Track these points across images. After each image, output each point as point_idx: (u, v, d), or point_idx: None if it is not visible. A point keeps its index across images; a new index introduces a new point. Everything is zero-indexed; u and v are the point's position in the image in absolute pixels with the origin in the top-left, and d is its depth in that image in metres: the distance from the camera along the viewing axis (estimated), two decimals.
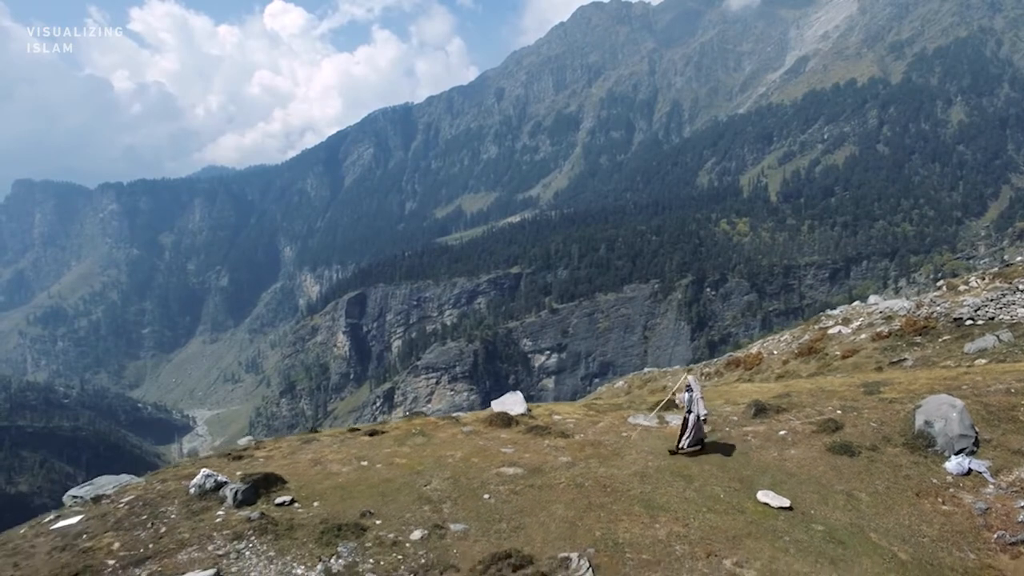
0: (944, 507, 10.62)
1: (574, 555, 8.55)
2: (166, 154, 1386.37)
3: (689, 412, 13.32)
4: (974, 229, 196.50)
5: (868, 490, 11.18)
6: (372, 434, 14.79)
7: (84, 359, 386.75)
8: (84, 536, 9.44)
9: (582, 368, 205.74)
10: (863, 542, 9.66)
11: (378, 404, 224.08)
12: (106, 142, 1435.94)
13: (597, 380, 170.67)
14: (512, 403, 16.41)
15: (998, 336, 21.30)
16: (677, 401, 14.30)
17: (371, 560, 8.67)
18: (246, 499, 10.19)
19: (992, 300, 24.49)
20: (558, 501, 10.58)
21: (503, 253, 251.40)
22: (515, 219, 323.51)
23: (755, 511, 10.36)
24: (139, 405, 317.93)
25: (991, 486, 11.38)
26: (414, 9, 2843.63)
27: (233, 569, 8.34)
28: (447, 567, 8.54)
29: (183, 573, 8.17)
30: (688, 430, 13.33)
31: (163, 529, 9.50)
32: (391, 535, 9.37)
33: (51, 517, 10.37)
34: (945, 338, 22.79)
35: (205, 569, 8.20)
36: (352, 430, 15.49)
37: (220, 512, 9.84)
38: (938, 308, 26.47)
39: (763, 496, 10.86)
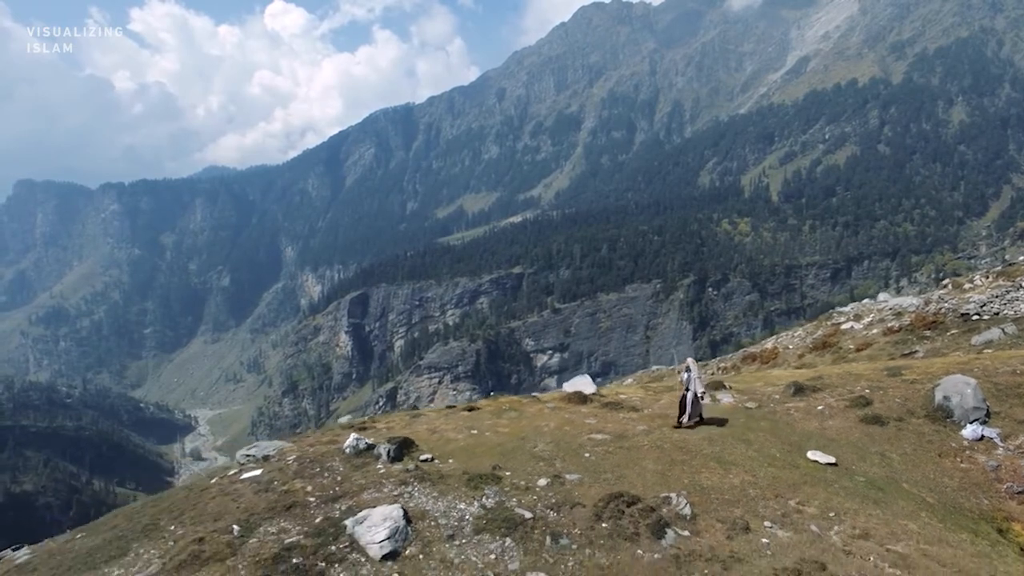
0: (962, 465, 12.86)
1: (673, 495, 10.58)
2: (166, 154, 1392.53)
3: (687, 390, 14.72)
4: (975, 229, 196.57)
5: (898, 451, 13.31)
6: (470, 410, 16.65)
7: (86, 359, 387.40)
8: (275, 483, 11.08)
9: (584, 368, 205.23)
10: (897, 489, 11.69)
11: (380, 404, 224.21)
12: (106, 142, 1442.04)
13: (599, 380, 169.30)
14: (583, 384, 18.26)
15: (1003, 329, 22.24)
16: (679, 380, 15.35)
17: (514, 499, 10.54)
18: (397, 456, 12.23)
19: (997, 297, 25.37)
20: (646, 458, 12.41)
21: (505, 253, 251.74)
22: (516, 219, 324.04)
23: (807, 466, 12.29)
24: (141, 405, 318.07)
25: (1001, 449, 13.56)
26: (415, 9, 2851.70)
27: (411, 504, 10.13)
28: (575, 504, 10.30)
29: (373, 506, 9.81)
30: (688, 407, 14.72)
31: (339, 477, 11.31)
32: (522, 482, 11.19)
33: (235, 471, 11.94)
34: (953, 332, 23.85)
35: (391, 504, 9.83)
36: (450, 407, 17.64)
37: (379, 466, 11.84)
38: (946, 304, 27.24)
39: (812, 455, 12.79)
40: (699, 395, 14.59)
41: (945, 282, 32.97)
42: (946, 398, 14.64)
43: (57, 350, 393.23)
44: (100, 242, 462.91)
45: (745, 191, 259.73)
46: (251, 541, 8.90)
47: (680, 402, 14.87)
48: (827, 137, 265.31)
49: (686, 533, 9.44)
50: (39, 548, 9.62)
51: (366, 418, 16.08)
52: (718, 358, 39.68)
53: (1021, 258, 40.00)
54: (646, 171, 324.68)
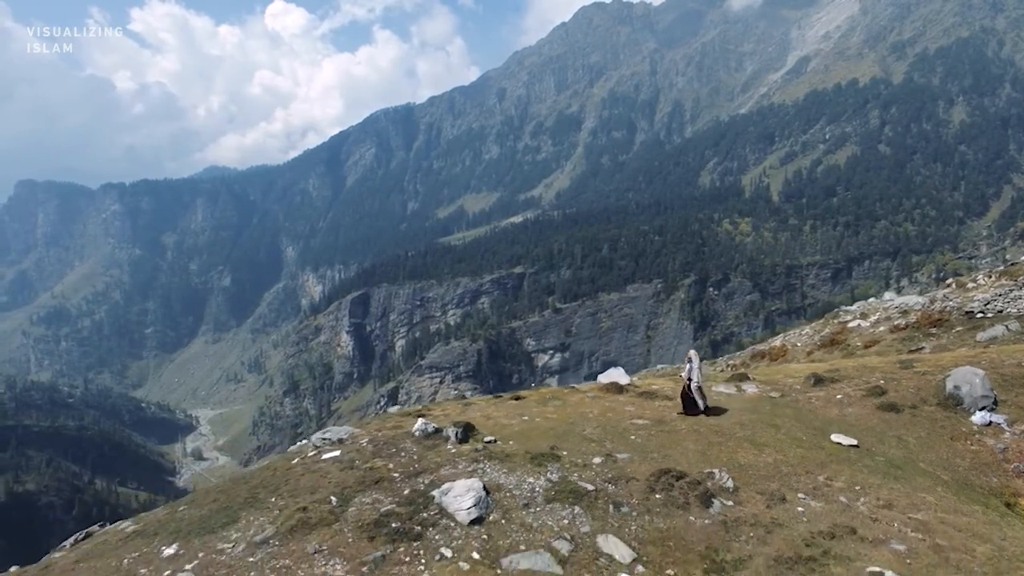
0: (972, 447, 13.98)
1: (715, 470, 11.61)
2: (167, 154, 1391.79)
3: (689, 380, 15.63)
4: (976, 229, 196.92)
5: (913, 435, 14.37)
6: (516, 399, 17.62)
7: (87, 359, 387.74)
8: (357, 461, 11.96)
9: (585, 367, 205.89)
10: (915, 468, 12.76)
11: (382, 404, 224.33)
12: (107, 142, 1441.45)
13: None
14: (617, 376, 19.30)
15: (1007, 326, 23.07)
16: (681, 373, 16.37)
17: (575, 474, 11.47)
18: (463, 438, 13.15)
19: (1000, 295, 26.21)
20: (686, 440, 13.45)
21: (506, 253, 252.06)
22: (517, 219, 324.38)
23: (831, 447, 13.33)
24: (142, 405, 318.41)
25: (1007, 433, 14.64)
26: (415, 9, 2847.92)
27: (486, 479, 11.00)
28: (629, 478, 11.32)
29: (452, 480, 10.69)
30: (695, 395, 15.62)
31: (415, 456, 12.23)
32: (579, 460, 12.14)
33: (313, 453, 12.63)
34: (958, 329, 24.72)
35: (468, 478, 10.74)
36: (496, 396, 18.64)
37: (449, 446, 12.76)
38: (951, 303, 28.00)
39: (835, 437, 13.81)
40: (699, 384, 15.54)
41: (949, 281, 33.78)
42: (956, 387, 15.74)
43: (58, 350, 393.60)
44: (101, 242, 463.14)
45: (746, 191, 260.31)
46: (350, 509, 9.88)
47: (682, 391, 15.83)
48: (828, 137, 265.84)
49: (730, 503, 10.47)
50: (144, 518, 10.49)
51: (421, 406, 16.96)
52: (727, 356, 40.54)
53: (1023, 258, 40.89)
54: (647, 171, 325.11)
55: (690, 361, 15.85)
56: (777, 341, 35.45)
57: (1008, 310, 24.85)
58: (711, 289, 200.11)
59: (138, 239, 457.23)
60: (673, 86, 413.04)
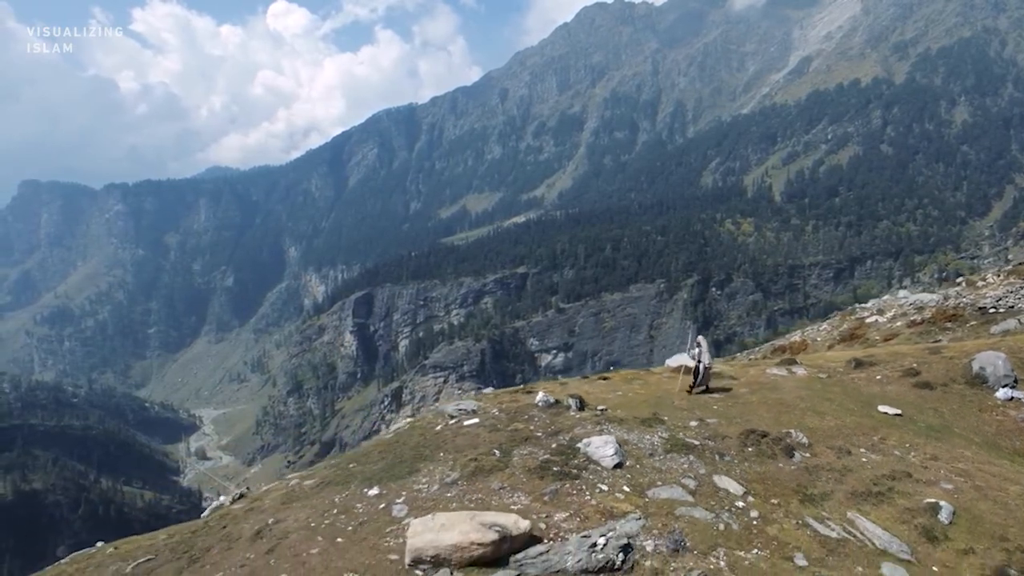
0: (997, 418, 16.17)
1: (791, 430, 13.48)
2: (169, 154, 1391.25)
3: (699, 363, 17.32)
4: (978, 229, 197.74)
5: (947, 408, 16.56)
6: (604, 379, 19.60)
7: (90, 359, 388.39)
8: (499, 425, 13.72)
9: (588, 367, 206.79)
10: (951, 432, 14.94)
11: (386, 403, 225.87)
12: (110, 142, 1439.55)
13: None
14: (684, 359, 21.09)
15: (1019, 320, 24.92)
16: (691, 356, 18.21)
17: (680, 433, 13.39)
18: (580, 407, 15.02)
19: (1011, 292, 28.24)
20: (759, 409, 15.46)
21: (509, 253, 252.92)
22: (520, 219, 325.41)
23: (879, 416, 15.40)
24: (146, 404, 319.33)
25: None
26: (417, 9, 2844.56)
27: (613, 436, 12.55)
28: (723, 436, 13.29)
29: (587, 437, 12.48)
30: (699, 377, 17.43)
31: (547, 420, 14.03)
32: (678, 423, 14.11)
33: (453, 421, 14.25)
34: (972, 323, 26.64)
35: (599, 435, 12.51)
36: (584, 377, 20.80)
37: (571, 413, 14.62)
38: (964, 300, 29.93)
39: (882, 408, 15.90)
40: (707, 366, 17.32)
41: (959, 280, 35.62)
42: (982, 368, 17.95)
43: (62, 350, 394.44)
44: (104, 242, 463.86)
45: (748, 191, 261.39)
46: (514, 459, 11.68)
47: (694, 371, 17.55)
48: (830, 137, 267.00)
49: (807, 455, 12.43)
50: (313, 473, 12.30)
51: (524, 385, 18.80)
52: (747, 351, 42.09)
53: None
54: (649, 171, 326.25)
55: (699, 345, 17.49)
56: (796, 336, 37.13)
57: (1019, 305, 26.80)
58: (714, 289, 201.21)
59: (141, 239, 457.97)
60: (675, 86, 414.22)
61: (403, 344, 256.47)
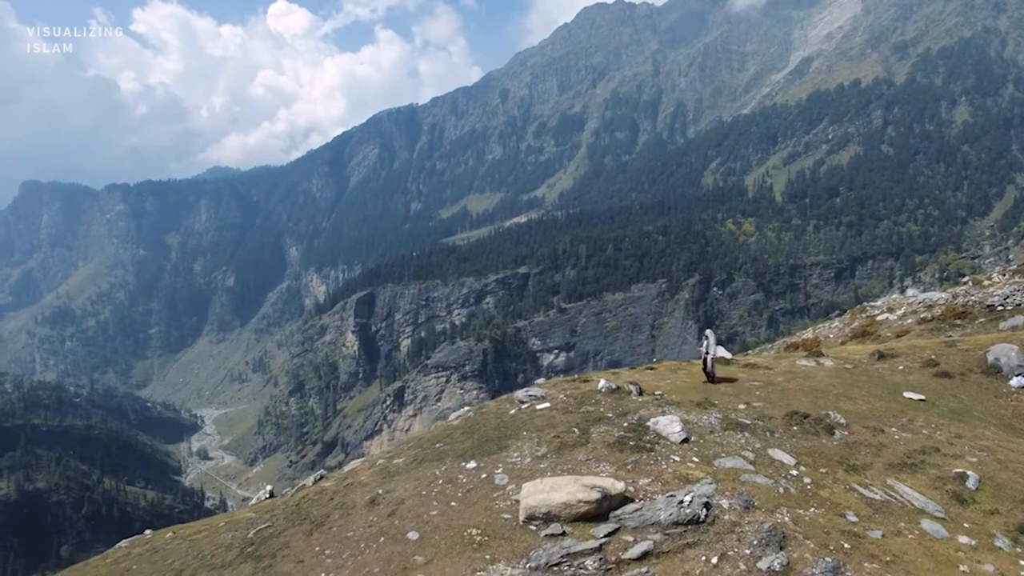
0: (1012, 403, 17.50)
1: (829, 412, 14.69)
2: (170, 155, 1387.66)
3: (707, 354, 18.51)
4: (979, 229, 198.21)
5: (965, 394, 17.88)
6: (650, 368, 21.38)
7: (92, 359, 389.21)
8: (570, 408, 14.95)
9: (590, 367, 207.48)
10: (971, 415, 16.12)
11: (388, 403, 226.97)
12: (111, 143, 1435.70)
13: None
14: (723, 352, 22.75)
15: None
16: (701, 349, 19.39)
17: (732, 415, 14.62)
18: (640, 392, 16.29)
19: (1018, 290, 29.62)
20: (797, 394, 16.66)
21: (511, 253, 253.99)
22: (521, 219, 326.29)
23: (905, 401, 16.61)
24: (148, 404, 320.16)
25: None
26: (418, 9, 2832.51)
27: (676, 416, 13.74)
28: (770, 417, 14.52)
29: (654, 418, 13.72)
30: (709, 366, 18.59)
31: (613, 403, 15.31)
32: (728, 406, 15.34)
33: (525, 406, 15.37)
34: (981, 320, 28.02)
35: (664, 416, 13.79)
36: (632, 368, 22.37)
37: (633, 397, 15.97)
38: (972, 298, 31.36)
39: (907, 394, 17.09)
40: (715, 356, 18.59)
41: (966, 279, 37.05)
42: (996, 359, 19.41)
43: (63, 350, 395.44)
44: (105, 243, 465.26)
45: (749, 191, 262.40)
46: (593, 436, 12.92)
47: (703, 362, 18.73)
48: (830, 137, 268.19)
49: (846, 433, 13.77)
50: (396, 451, 13.60)
51: (578, 375, 20.18)
52: (759, 348, 43.32)
53: None
54: (650, 171, 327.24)
55: (706, 339, 18.77)
56: (808, 333, 38.41)
57: None
58: (715, 289, 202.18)
59: (142, 239, 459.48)
60: (676, 86, 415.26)
61: (405, 344, 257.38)
